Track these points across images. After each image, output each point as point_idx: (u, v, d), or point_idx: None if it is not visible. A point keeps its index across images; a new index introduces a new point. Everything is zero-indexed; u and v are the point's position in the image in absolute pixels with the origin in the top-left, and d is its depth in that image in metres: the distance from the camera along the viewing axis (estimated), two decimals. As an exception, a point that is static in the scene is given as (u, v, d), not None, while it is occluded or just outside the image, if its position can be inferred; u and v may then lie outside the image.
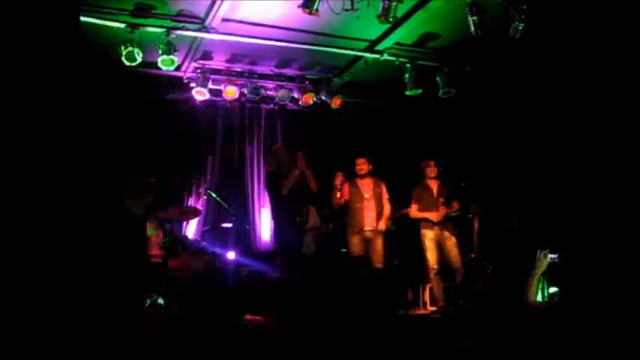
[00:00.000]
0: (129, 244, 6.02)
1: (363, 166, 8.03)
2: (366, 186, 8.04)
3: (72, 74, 3.72)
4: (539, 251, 4.50)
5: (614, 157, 5.99)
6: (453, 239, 7.80)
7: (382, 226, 7.95)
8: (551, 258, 4.65)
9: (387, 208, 8.07)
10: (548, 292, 6.68)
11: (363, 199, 7.95)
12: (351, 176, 8.11)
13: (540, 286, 6.36)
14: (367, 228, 7.88)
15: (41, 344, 3.34)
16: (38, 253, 3.42)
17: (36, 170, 3.49)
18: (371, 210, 7.95)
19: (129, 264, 5.91)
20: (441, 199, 7.85)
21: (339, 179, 7.80)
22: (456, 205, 7.84)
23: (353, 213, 7.95)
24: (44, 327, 3.38)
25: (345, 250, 7.96)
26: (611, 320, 2.87)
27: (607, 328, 2.81)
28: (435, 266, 7.83)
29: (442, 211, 7.77)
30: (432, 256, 7.86)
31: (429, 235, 7.91)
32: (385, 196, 8.11)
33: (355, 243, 7.86)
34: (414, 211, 8.04)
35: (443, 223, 7.85)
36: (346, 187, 7.98)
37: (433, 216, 7.84)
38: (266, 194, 9.67)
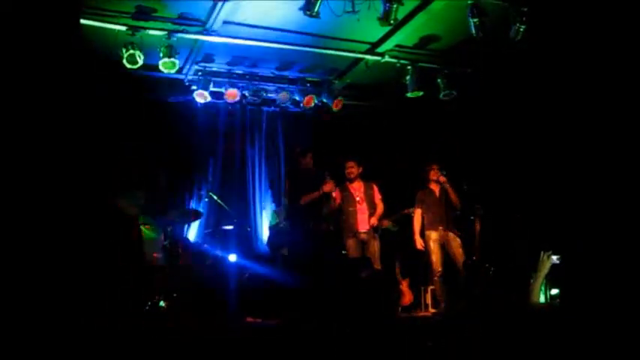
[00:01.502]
0: (122, 245, 6.02)
1: (352, 169, 7.99)
2: (357, 189, 8.00)
3: (71, 75, 3.73)
4: (542, 253, 4.50)
5: (615, 158, 5.98)
6: (458, 240, 7.79)
7: (374, 220, 7.90)
8: (554, 260, 4.65)
9: (380, 208, 8.05)
10: (550, 294, 6.68)
11: (355, 203, 7.92)
12: (341, 180, 8.07)
13: (543, 288, 6.37)
14: (362, 230, 7.87)
15: (36, 344, 3.34)
16: (31, 251, 3.43)
17: (32, 170, 3.50)
18: (364, 213, 7.93)
19: (123, 264, 5.91)
20: (441, 207, 7.89)
21: (329, 185, 7.68)
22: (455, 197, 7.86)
23: (346, 217, 7.92)
24: (38, 327, 3.38)
25: (345, 252, 7.95)
26: (611, 320, 2.87)
27: (608, 329, 2.81)
28: (439, 269, 7.82)
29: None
30: (436, 258, 7.84)
31: (433, 237, 7.89)
32: (378, 196, 8.08)
33: (352, 246, 7.84)
34: (417, 217, 8.05)
35: (447, 224, 7.84)
36: (337, 192, 7.93)
37: (417, 243, 7.93)
38: (267, 196, 9.69)
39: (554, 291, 6.87)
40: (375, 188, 8.11)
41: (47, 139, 3.59)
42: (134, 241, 6.63)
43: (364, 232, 7.86)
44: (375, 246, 7.87)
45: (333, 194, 7.72)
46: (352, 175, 7.99)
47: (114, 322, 5.39)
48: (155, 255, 7.68)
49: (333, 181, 7.66)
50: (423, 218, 8.07)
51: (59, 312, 3.51)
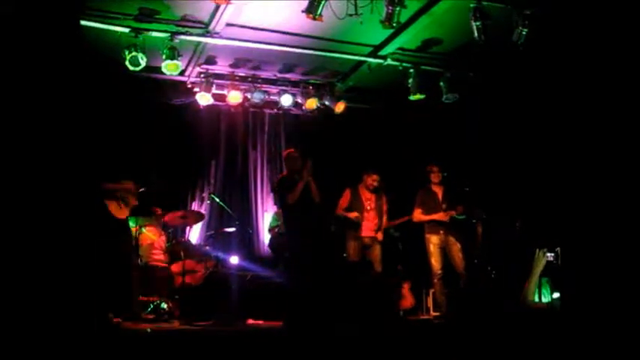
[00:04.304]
0: (112, 248, 6.03)
1: (375, 183, 8.02)
2: (369, 198, 8.04)
3: (70, 76, 3.73)
4: (537, 250, 4.51)
5: (617, 164, 5.97)
6: (458, 244, 7.78)
7: (380, 236, 7.98)
8: (548, 257, 4.66)
9: (385, 220, 8.11)
10: (551, 297, 6.67)
11: (363, 210, 7.94)
12: (354, 184, 8.10)
13: (543, 287, 6.37)
14: (365, 236, 7.90)
15: (30, 345, 3.34)
16: (25, 252, 3.43)
17: (30, 172, 3.50)
18: (370, 221, 7.97)
19: (113, 267, 5.92)
20: (444, 205, 7.83)
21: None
22: (460, 208, 7.79)
23: (352, 221, 7.92)
24: (33, 328, 3.38)
25: (345, 254, 7.96)
26: (612, 322, 2.87)
27: (608, 330, 2.81)
28: (439, 272, 7.81)
29: (449, 213, 7.75)
30: (436, 261, 7.84)
31: (433, 241, 7.89)
32: (385, 207, 8.12)
33: (353, 248, 7.86)
34: (417, 215, 8.01)
35: (448, 228, 7.83)
36: (347, 194, 7.96)
37: (440, 216, 7.79)
38: (269, 199, 9.68)
39: (556, 294, 6.87)
40: (384, 200, 8.14)
41: (45, 140, 3.59)
42: (125, 244, 6.65)
43: (367, 237, 7.90)
44: (377, 249, 7.92)
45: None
46: (373, 187, 8.04)
47: (108, 324, 5.40)
48: (156, 257, 7.68)
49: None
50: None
51: (53, 313, 3.51)
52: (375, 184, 8.04)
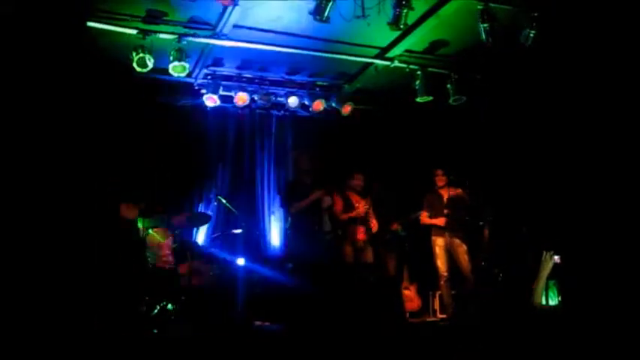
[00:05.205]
0: (121, 247, 6.05)
1: (360, 182, 8.07)
2: (358, 201, 8.07)
3: (77, 78, 3.73)
4: (544, 253, 4.51)
5: (623, 167, 5.95)
6: (464, 246, 7.79)
7: (374, 225, 8.04)
8: (555, 259, 4.67)
9: (374, 221, 8.12)
10: (558, 300, 6.65)
11: (354, 213, 7.96)
12: (342, 188, 8.14)
13: (550, 289, 6.35)
14: (359, 239, 7.91)
15: (37, 345, 3.34)
16: (33, 253, 3.43)
17: (36, 174, 3.50)
18: (362, 223, 7.97)
19: (122, 266, 5.94)
20: (446, 210, 7.88)
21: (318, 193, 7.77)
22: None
23: (346, 224, 7.95)
24: (40, 328, 3.39)
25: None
26: (613, 323, 2.86)
27: (610, 331, 2.80)
28: (445, 273, 7.83)
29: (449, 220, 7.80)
30: (442, 263, 7.86)
31: (439, 243, 7.91)
32: (371, 209, 8.15)
33: (349, 253, 7.88)
34: (424, 217, 8.07)
35: (454, 231, 7.83)
36: (338, 199, 7.99)
37: (439, 221, 7.85)
38: (276, 201, 9.69)
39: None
40: (370, 202, 8.16)
41: (51, 141, 3.59)
42: (134, 244, 6.67)
43: (361, 241, 7.91)
44: (370, 252, 7.95)
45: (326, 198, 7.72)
46: (359, 188, 8.07)
47: (116, 325, 5.40)
48: (163, 258, 7.68)
49: (323, 191, 7.62)
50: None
51: (61, 314, 3.51)
52: (362, 183, 8.06)
